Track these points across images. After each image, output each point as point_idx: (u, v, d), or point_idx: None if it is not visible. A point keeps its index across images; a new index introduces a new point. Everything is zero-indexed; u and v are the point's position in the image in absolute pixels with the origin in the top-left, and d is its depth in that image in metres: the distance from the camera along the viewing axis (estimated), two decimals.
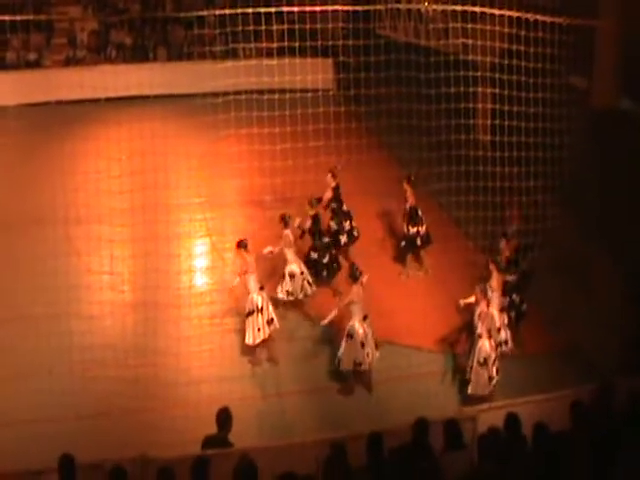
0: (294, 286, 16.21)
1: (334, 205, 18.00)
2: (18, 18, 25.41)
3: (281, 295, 16.23)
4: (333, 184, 17.90)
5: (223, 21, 23.07)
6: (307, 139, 18.67)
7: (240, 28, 22.27)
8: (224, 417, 10.49)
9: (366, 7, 22.63)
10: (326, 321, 14.51)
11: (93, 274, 16.61)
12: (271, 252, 15.96)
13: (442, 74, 18.85)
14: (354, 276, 14.03)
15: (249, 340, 14.85)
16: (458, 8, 18.56)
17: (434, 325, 15.95)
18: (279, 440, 12.51)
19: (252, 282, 14.83)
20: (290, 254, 16.22)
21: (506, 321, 14.72)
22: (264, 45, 22.27)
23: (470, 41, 19.08)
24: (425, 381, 14.37)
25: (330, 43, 22.94)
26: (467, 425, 10.43)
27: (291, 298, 16.31)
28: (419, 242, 17.98)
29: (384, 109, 19.78)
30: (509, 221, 16.88)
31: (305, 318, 16.58)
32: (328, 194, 17.86)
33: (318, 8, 21.64)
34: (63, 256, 17.10)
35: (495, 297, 14.28)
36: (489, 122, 20.58)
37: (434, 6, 23.37)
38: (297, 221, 16.53)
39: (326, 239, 17.40)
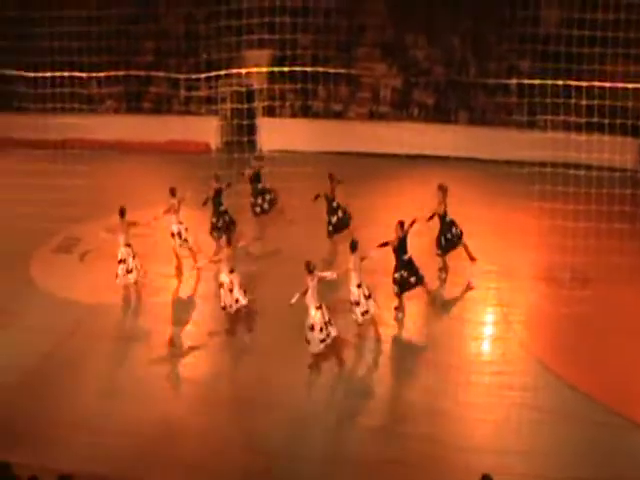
0: (175, 244, 20.16)
1: None
2: (331, 71, 26.85)
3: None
4: None
5: (531, 91, 23.22)
6: (612, 220, 18.32)
7: (548, 100, 22.28)
8: None
9: None
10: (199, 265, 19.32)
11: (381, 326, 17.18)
12: (158, 218, 19.66)
13: None
14: (227, 240, 17.78)
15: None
16: None
17: None
18: None
19: (121, 239, 18.93)
20: (173, 218, 19.93)
21: (366, 294, 16.80)
22: (572, 119, 22.10)
23: None
24: None
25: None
26: None
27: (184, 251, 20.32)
28: None
29: None
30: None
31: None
32: None
33: (630, 85, 21.33)
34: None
35: (354, 277, 16.75)
36: None
37: None
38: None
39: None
